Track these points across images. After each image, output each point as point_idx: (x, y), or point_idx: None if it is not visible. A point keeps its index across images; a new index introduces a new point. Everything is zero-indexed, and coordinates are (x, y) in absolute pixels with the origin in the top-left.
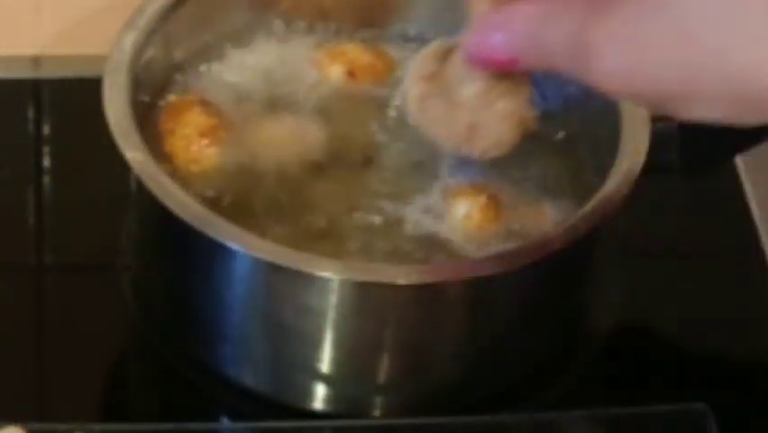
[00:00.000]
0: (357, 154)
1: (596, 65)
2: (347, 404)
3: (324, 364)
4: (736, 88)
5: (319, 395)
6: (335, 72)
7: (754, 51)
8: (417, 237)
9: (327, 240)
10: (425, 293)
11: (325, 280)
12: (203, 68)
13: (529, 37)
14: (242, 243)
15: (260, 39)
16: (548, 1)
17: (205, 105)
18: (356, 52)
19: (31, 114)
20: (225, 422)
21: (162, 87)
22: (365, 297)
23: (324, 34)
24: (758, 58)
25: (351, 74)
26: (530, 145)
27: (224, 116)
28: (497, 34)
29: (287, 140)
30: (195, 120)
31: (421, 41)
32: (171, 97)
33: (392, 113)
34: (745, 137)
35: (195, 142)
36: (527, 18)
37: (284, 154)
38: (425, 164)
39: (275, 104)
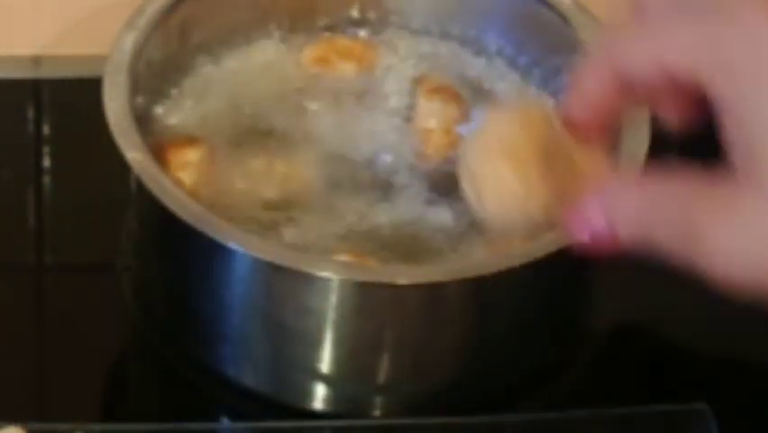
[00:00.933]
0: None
1: (710, 250)
2: (347, 404)
3: (324, 364)
4: None
5: (319, 395)
6: (348, 68)
7: None
8: None
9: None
10: (425, 293)
11: (325, 281)
12: (202, 67)
13: (634, 223)
14: (242, 243)
15: (260, 39)
16: (653, 183)
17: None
18: (360, 47)
19: (31, 114)
20: (225, 422)
21: (162, 87)
22: (365, 297)
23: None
24: None
25: (365, 68)
26: None
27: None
28: (597, 218)
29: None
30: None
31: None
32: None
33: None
34: None
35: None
36: (630, 203)
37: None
38: None
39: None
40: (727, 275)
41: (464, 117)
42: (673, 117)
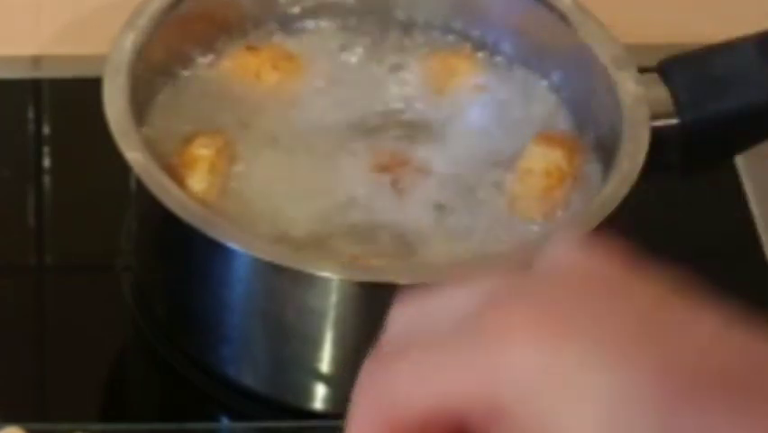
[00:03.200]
0: None
1: None
2: (347, 404)
3: (324, 364)
4: None
5: (319, 395)
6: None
7: None
8: None
9: None
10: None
11: (325, 280)
12: (202, 66)
13: None
14: (242, 243)
15: (261, 39)
16: None
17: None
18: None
19: (31, 114)
20: (225, 422)
21: (162, 86)
22: (365, 297)
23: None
24: None
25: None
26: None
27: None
28: None
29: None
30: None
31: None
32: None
33: None
34: (744, 137)
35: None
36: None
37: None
38: None
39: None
40: None
41: (573, 166)
42: None
